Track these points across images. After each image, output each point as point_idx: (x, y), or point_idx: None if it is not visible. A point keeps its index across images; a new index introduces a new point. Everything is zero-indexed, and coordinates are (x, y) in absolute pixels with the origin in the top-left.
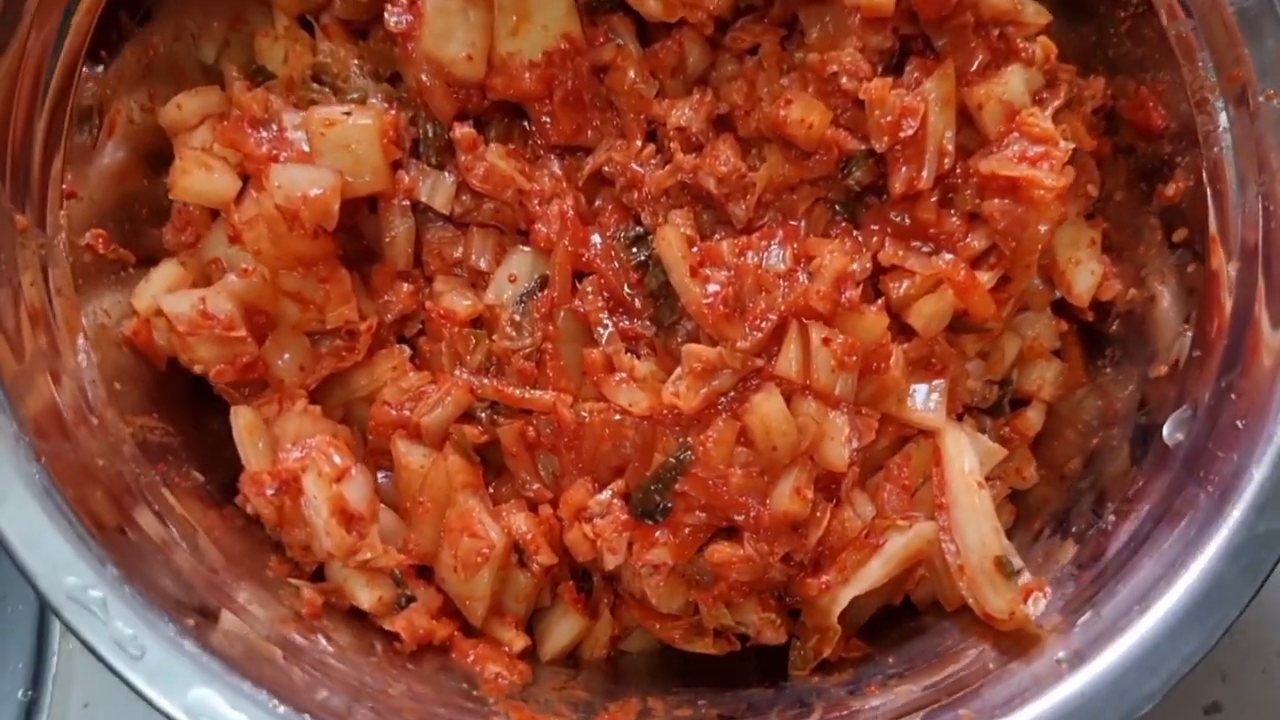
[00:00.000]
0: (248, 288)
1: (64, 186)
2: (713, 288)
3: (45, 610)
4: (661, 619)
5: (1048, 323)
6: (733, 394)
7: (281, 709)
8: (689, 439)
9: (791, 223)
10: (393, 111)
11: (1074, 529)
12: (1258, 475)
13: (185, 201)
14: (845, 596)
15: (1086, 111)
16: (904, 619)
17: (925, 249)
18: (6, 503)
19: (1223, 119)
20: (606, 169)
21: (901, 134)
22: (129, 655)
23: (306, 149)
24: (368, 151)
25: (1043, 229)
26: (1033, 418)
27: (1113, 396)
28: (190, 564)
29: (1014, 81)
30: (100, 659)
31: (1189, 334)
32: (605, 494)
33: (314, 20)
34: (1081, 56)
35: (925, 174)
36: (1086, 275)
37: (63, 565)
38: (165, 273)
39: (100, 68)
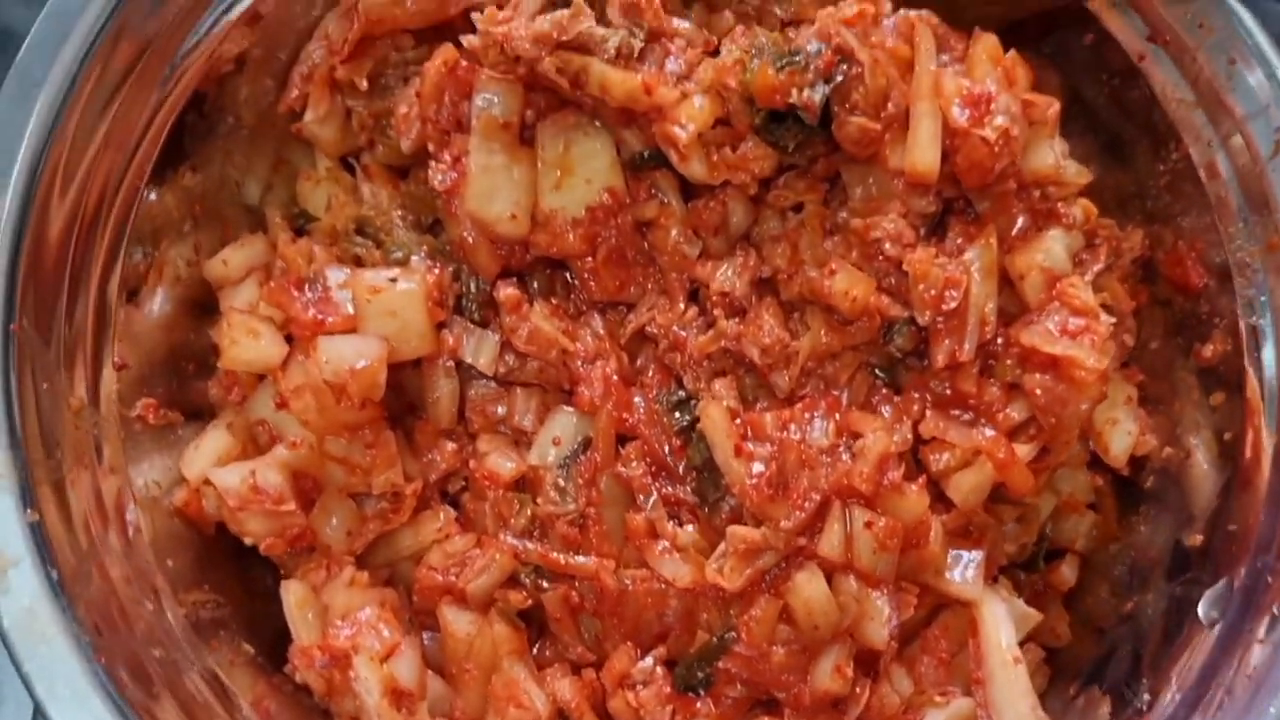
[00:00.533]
0: (295, 458)
1: (115, 360)
2: (757, 468)
3: None
4: None
5: (1083, 479)
6: (775, 571)
7: None
8: (732, 614)
9: (834, 392)
10: (436, 269)
11: (1108, 686)
12: None
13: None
14: None
15: (1125, 263)
16: None
17: (965, 417)
18: (68, 706)
19: (1262, 286)
20: (649, 328)
21: (944, 306)
22: None
23: (351, 310)
24: (413, 317)
25: (1083, 407)
26: (1067, 573)
27: (1147, 554)
28: None
29: (1055, 247)
30: None
31: (1226, 507)
32: (648, 661)
33: (355, 161)
34: (1121, 204)
35: (967, 346)
36: (1123, 436)
37: None
38: (214, 442)
39: (150, 228)
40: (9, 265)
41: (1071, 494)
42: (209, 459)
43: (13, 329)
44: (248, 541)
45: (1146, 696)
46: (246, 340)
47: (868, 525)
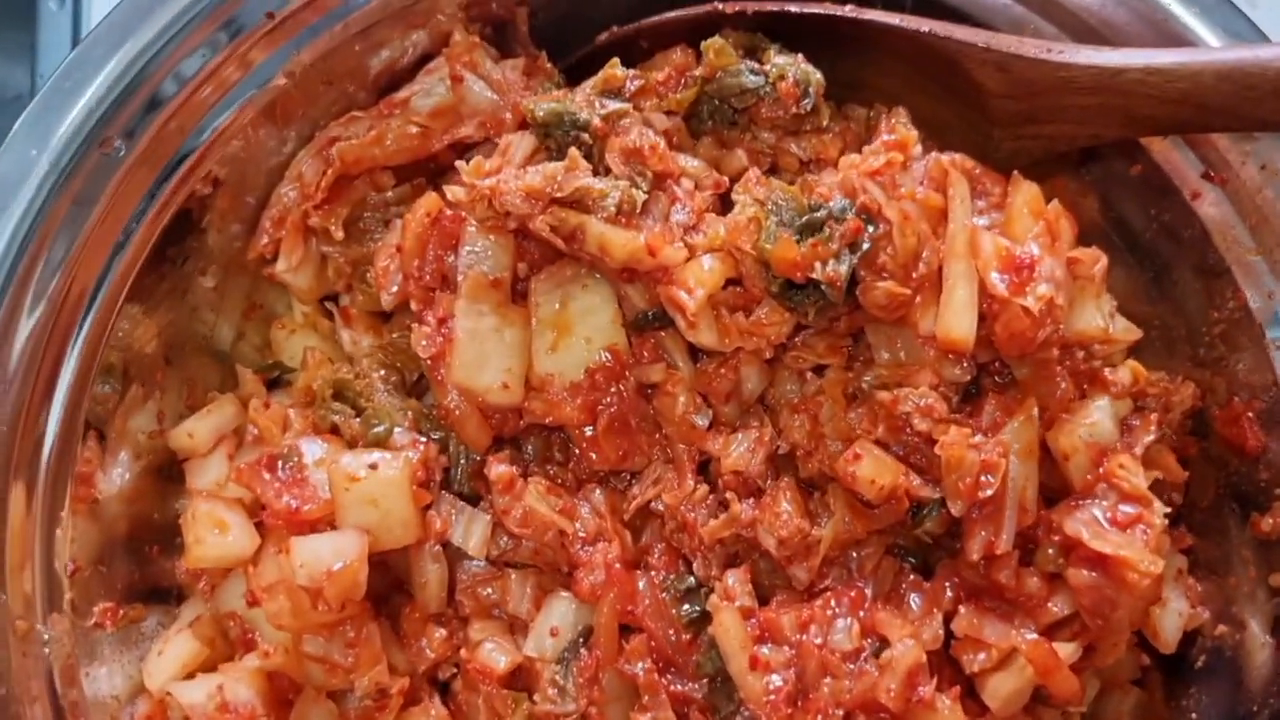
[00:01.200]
0: (269, 665)
1: (68, 564)
2: (775, 682)
3: None
4: None
5: (1129, 656)
6: None
7: None
8: None
9: (858, 583)
10: (421, 444)
11: None
12: None
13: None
14: None
15: (1175, 416)
16: None
17: (1001, 609)
18: None
19: None
20: (655, 505)
21: (980, 495)
22: None
23: (327, 495)
24: (396, 505)
25: (1135, 610)
26: None
27: None
28: None
29: (1102, 420)
30: None
31: None
32: None
33: (333, 305)
34: (1168, 347)
35: (1004, 538)
36: (1174, 617)
37: None
38: (178, 649)
39: (105, 410)
40: None
41: (1115, 674)
42: (174, 668)
43: None
44: None
45: None
46: (213, 537)
47: None
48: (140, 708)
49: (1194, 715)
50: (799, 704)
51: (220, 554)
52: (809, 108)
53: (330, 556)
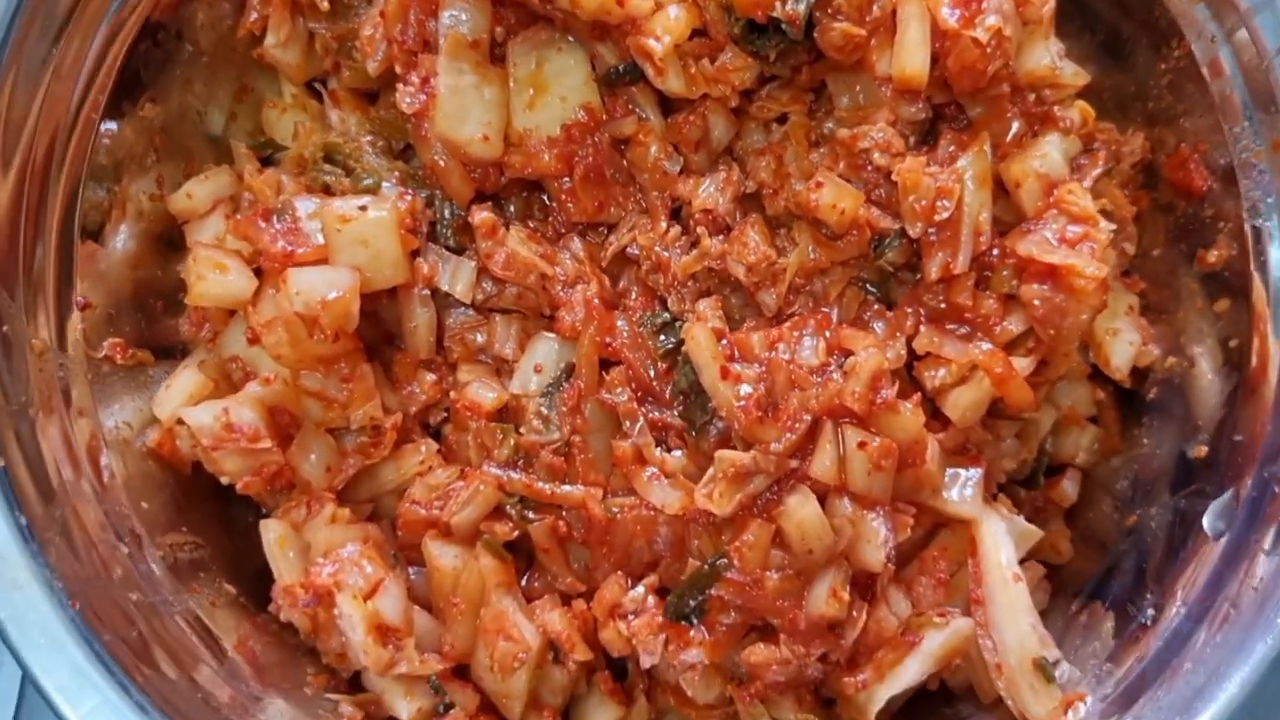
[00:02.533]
0: (270, 393)
1: (78, 299)
2: (745, 390)
3: None
4: (698, 709)
5: (1084, 391)
6: (767, 496)
7: None
8: (724, 540)
9: (823, 309)
10: (408, 196)
11: (1111, 602)
12: None
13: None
14: (882, 695)
15: (1125, 168)
16: (939, 705)
17: (960, 331)
18: (44, 653)
19: (1268, 187)
20: (630, 250)
21: (936, 218)
22: None
23: (321, 241)
24: (385, 246)
25: (1083, 317)
26: (1068, 488)
27: (1150, 467)
28: (228, 694)
29: (1052, 153)
30: None
31: (1231, 417)
32: (639, 590)
33: (322, 87)
34: (1120, 105)
35: (961, 258)
36: (1125, 347)
37: (103, 713)
38: (186, 381)
39: (108, 163)
40: None
41: (1072, 407)
42: (181, 398)
43: None
44: (224, 480)
45: (1151, 611)
46: (214, 275)
47: (861, 446)
48: (150, 435)
49: (1145, 441)
50: (768, 413)
51: (221, 291)
52: None
53: (325, 286)
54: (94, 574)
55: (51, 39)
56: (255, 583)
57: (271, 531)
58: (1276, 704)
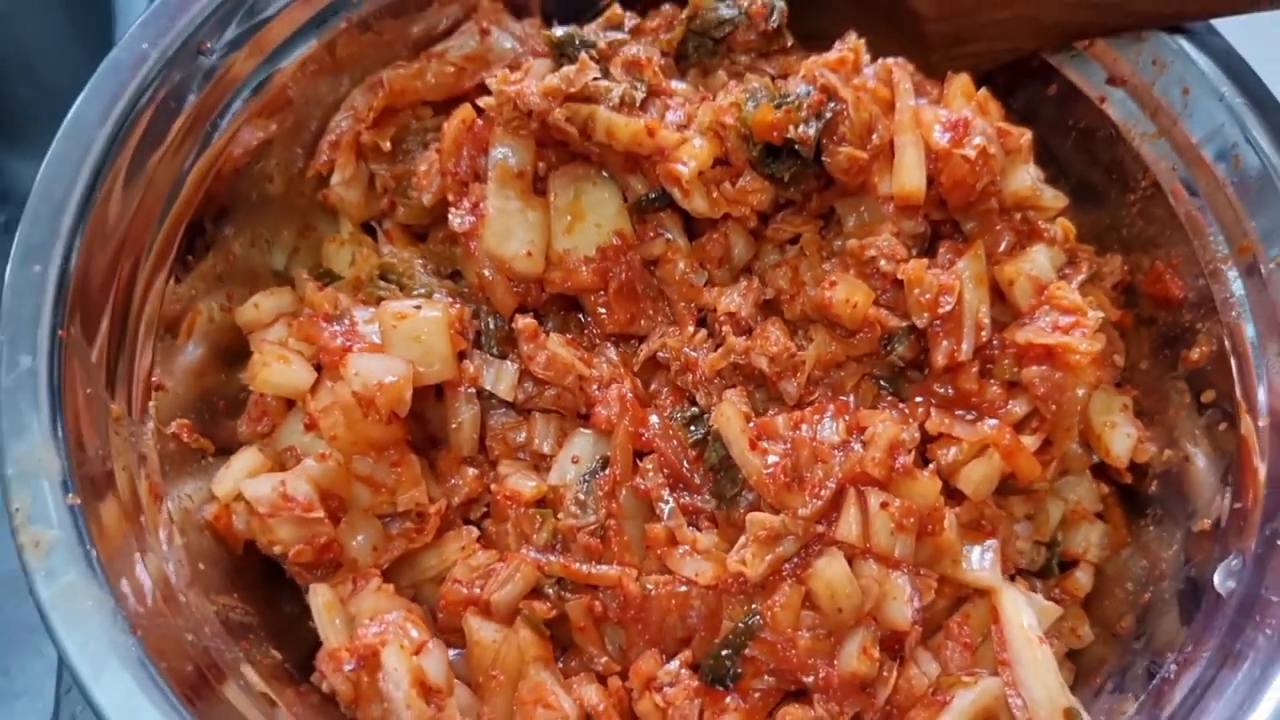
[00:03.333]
0: (324, 472)
1: (153, 380)
2: (772, 459)
3: None
4: None
5: (1088, 486)
6: (796, 560)
7: None
8: (756, 604)
9: (841, 398)
10: (457, 306)
11: (1133, 685)
12: None
13: (264, 393)
14: None
15: (1107, 287)
16: None
17: (969, 417)
18: (104, 674)
19: (1237, 287)
20: (661, 354)
21: (940, 310)
22: None
23: (378, 340)
24: (437, 342)
25: (1080, 392)
26: (1082, 579)
27: (1158, 553)
28: None
29: (1040, 259)
30: None
31: (1229, 490)
32: (673, 664)
33: (377, 225)
34: (1097, 238)
35: (965, 346)
36: (1123, 438)
37: None
38: (245, 460)
39: (185, 273)
40: (59, 278)
41: (1079, 503)
42: (240, 475)
43: (61, 335)
44: (276, 550)
45: (1174, 668)
46: (278, 365)
47: (883, 506)
48: (209, 510)
49: (1151, 528)
50: (795, 482)
51: (284, 380)
52: (776, 25)
53: (381, 370)
54: (156, 610)
55: (144, 160)
56: (298, 657)
57: (320, 596)
58: None
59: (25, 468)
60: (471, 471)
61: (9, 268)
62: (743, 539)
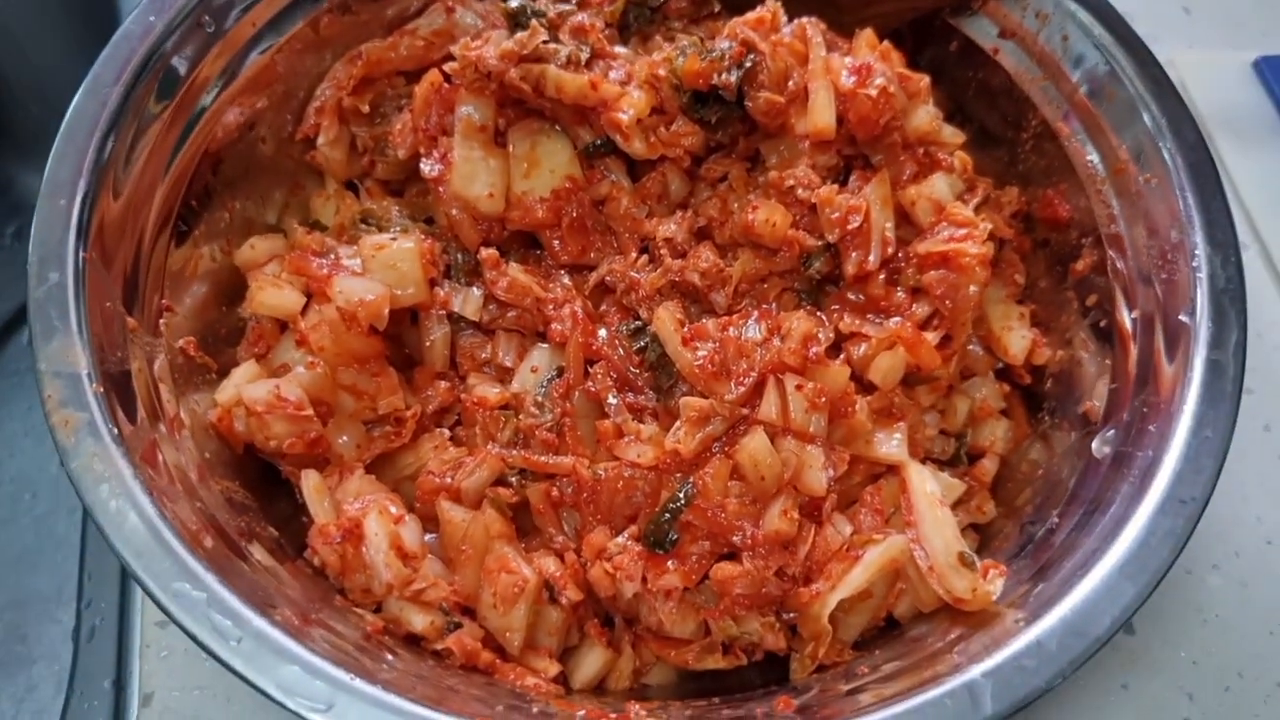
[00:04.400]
0: (312, 379)
1: (163, 302)
2: (701, 353)
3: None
4: (676, 645)
5: (992, 386)
6: (724, 439)
7: (358, 683)
8: (690, 478)
9: (765, 306)
10: (429, 241)
11: (1026, 546)
12: (1168, 462)
13: (259, 316)
14: (833, 600)
15: (1006, 214)
16: (889, 632)
17: (878, 320)
18: (124, 527)
19: (1114, 203)
20: (608, 279)
21: (849, 227)
22: (227, 642)
23: (360, 270)
24: (410, 269)
25: (973, 290)
26: (988, 466)
27: (1054, 441)
28: (275, 586)
29: (939, 184)
30: (202, 645)
31: (1107, 376)
32: (621, 538)
33: (359, 183)
34: (998, 175)
35: (872, 257)
36: (1019, 339)
37: (172, 574)
38: (244, 371)
39: (191, 219)
40: (81, 209)
41: (984, 400)
42: (240, 382)
43: (84, 256)
44: (271, 444)
45: (1056, 520)
46: (271, 289)
47: (798, 389)
48: (212, 414)
49: (1048, 419)
50: (723, 372)
51: (277, 301)
52: None
53: (363, 290)
54: (170, 479)
55: (173, 111)
56: (292, 541)
57: (310, 479)
58: (1159, 552)
59: (55, 364)
60: (443, 384)
61: (39, 201)
62: (678, 423)
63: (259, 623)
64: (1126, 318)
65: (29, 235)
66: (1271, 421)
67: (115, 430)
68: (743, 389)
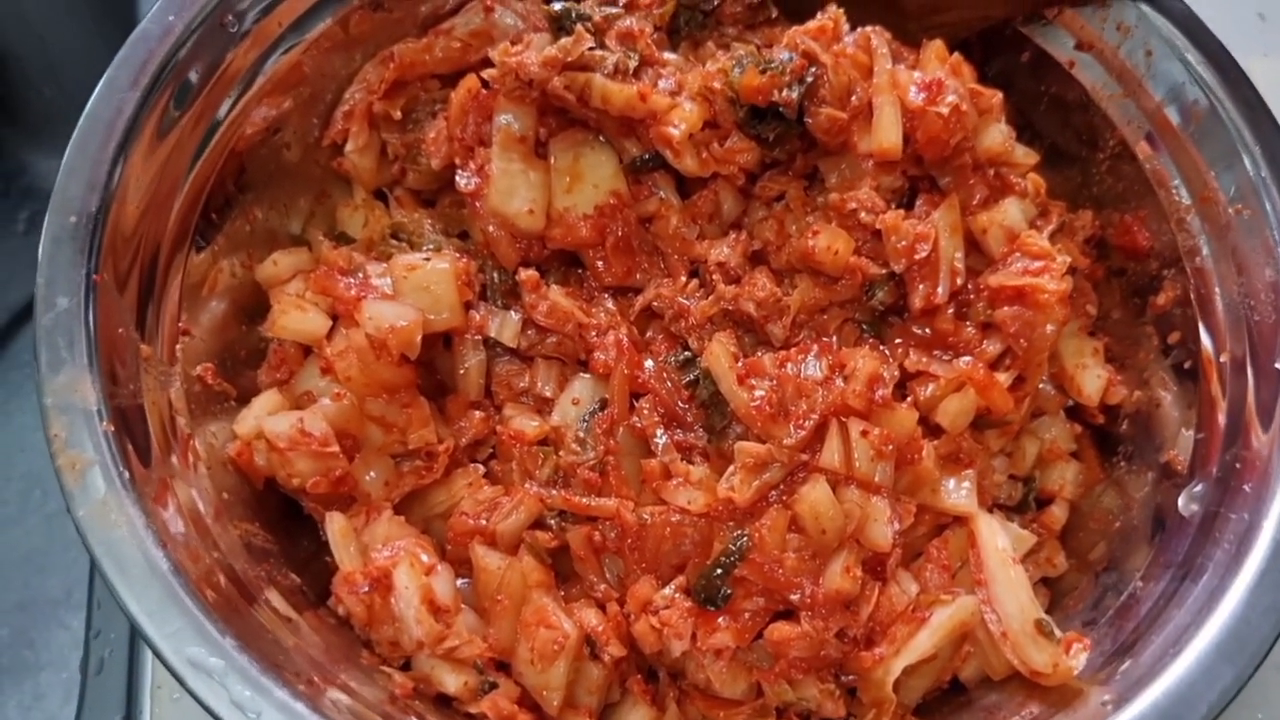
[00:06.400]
0: (339, 411)
1: (180, 325)
2: (759, 393)
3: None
4: (725, 706)
5: (1063, 426)
6: (782, 487)
7: None
8: (745, 530)
9: (825, 339)
10: (464, 259)
11: (1104, 608)
12: (1267, 528)
13: (282, 339)
14: (897, 666)
15: (1079, 240)
16: (955, 697)
17: (946, 357)
18: (134, 583)
19: (1200, 235)
20: (655, 304)
21: (916, 256)
22: (246, 716)
23: (390, 291)
24: (445, 291)
25: (1050, 329)
26: (1058, 513)
27: (1129, 488)
28: (295, 643)
29: (1012, 210)
30: None
31: (1193, 423)
32: (669, 589)
33: (388, 192)
34: (1070, 196)
35: (941, 290)
36: (1094, 379)
37: (186, 637)
38: (265, 401)
39: (210, 231)
40: (93, 228)
41: (1054, 440)
42: (261, 413)
43: (95, 279)
44: (295, 483)
45: (1139, 583)
46: (295, 313)
47: (864, 434)
48: (232, 447)
49: (1123, 464)
50: (781, 414)
51: (300, 326)
52: None
53: (394, 316)
54: (183, 530)
55: (193, 116)
56: (316, 586)
57: (335, 523)
58: (1259, 630)
59: (62, 398)
60: (478, 415)
61: (47, 218)
62: (731, 468)
63: (280, 694)
64: (1214, 360)
65: (43, 222)
66: None
67: (127, 474)
68: (803, 433)
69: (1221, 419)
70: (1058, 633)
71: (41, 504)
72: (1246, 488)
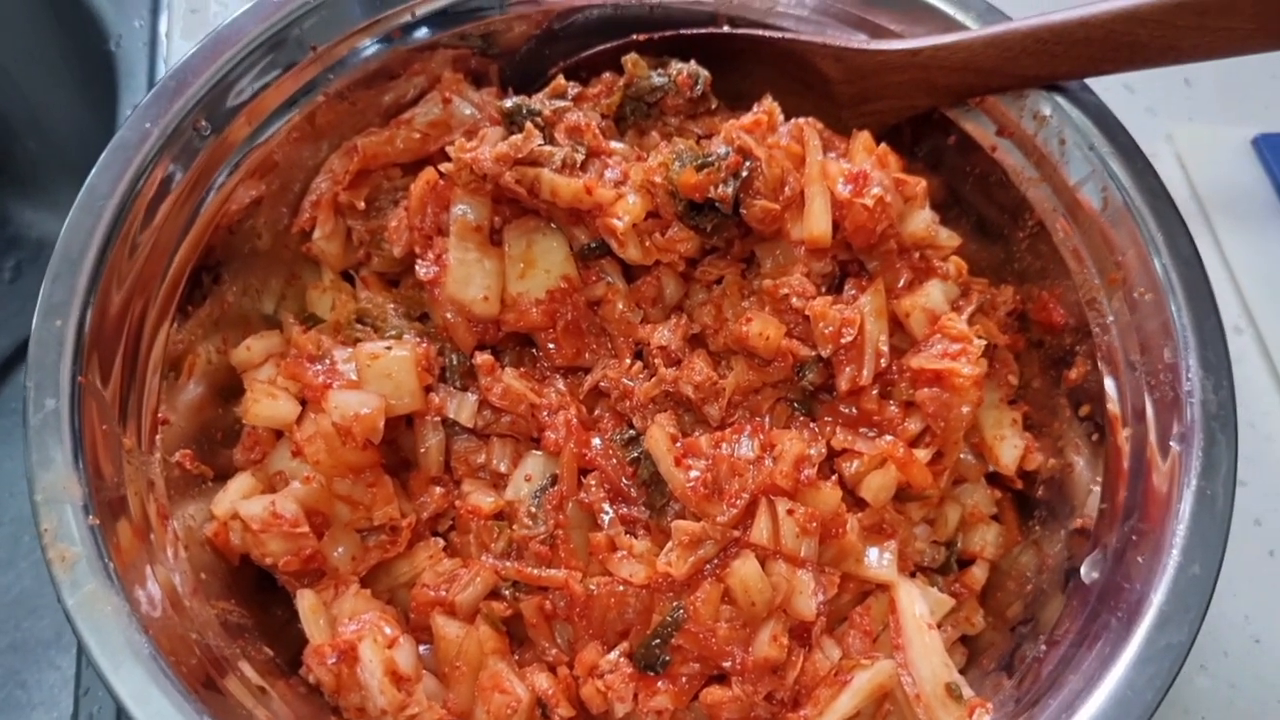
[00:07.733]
0: (308, 493)
1: (159, 415)
2: (694, 474)
3: None
4: None
5: (984, 492)
6: (716, 561)
7: None
8: (681, 601)
9: (758, 419)
10: (424, 345)
11: (1015, 666)
12: (1156, 600)
13: (255, 425)
14: None
15: (1000, 315)
16: None
17: (870, 434)
18: (121, 668)
19: (1108, 313)
20: (603, 384)
21: (843, 341)
22: None
23: (355, 378)
24: (406, 378)
25: (965, 410)
26: (978, 574)
27: (1044, 549)
28: (267, 715)
29: (934, 293)
30: None
31: (1097, 491)
32: (614, 654)
33: (355, 274)
34: (995, 269)
35: (865, 372)
36: (1011, 449)
37: (167, 717)
38: (240, 484)
39: (186, 321)
40: (77, 331)
41: (975, 506)
42: (236, 496)
43: (80, 380)
44: (267, 562)
45: (1043, 648)
46: (267, 400)
47: (790, 513)
48: (209, 527)
49: (1039, 528)
50: (715, 493)
51: (272, 413)
52: (700, 93)
53: (357, 404)
54: (164, 614)
55: (170, 215)
56: (288, 655)
57: (306, 600)
58: (1143, 696)
59: (52, 494)
60: (438, 490)
61: (34, 322)
62: (670, 544)
63: None
64: (1119, 434)
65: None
66: (1263, 516)
67: (112, 565)
68: (735, 511)
69: (1123, 492)
70: (966, 694)
71: (31, 549)
72: (1140, 559)
